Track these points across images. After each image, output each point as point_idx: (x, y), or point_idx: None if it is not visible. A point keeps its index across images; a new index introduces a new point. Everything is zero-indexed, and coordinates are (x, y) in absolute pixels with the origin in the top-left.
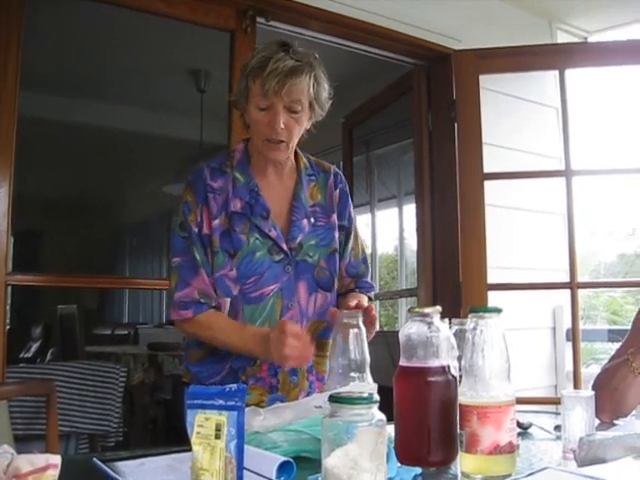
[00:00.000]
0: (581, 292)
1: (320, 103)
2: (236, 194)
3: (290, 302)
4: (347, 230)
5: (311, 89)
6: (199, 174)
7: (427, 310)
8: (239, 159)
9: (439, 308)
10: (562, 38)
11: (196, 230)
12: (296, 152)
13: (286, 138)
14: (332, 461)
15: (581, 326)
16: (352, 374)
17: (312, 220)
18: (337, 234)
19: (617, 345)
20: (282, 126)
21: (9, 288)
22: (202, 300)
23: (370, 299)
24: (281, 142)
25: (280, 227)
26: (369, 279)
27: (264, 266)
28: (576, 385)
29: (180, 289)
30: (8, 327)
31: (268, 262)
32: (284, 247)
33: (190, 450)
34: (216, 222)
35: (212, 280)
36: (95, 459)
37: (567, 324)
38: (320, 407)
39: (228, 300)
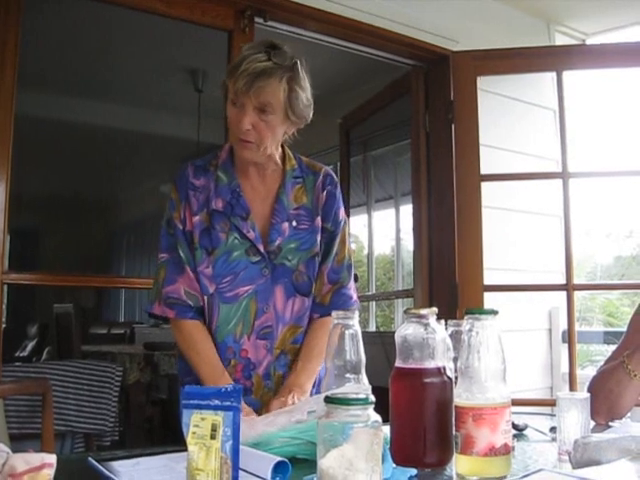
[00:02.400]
0: (577, 294)
1: (294, 110)
2: (218, 193)
3: (265, 305)
4: (332, 233)
5: (283, 94)
6: (183, 172)
7: (423, 311)
8: (224, 159)
9: (435, 309)
10: (560, 40)
11: (180, 227)
12: (285, 154)
13: (255, 139)
14: (327, 462)
15: (577, 328)
16: (347, 375)
17: (294, 223)
18: (319, 237)
19: (613, 347)
20: (248, 127)
21: (5, 287)
22: (190, 302)
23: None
24: (249, 142)
25: (259, 229)
26: (351, 288)
27: (240, 266)
28: (572, 387)
29: (168, 284)
30: (4, 326)
31: (244, 263)
32: (261, 249)
33: (185, 450)
34: (196, 219)
35: (197, 276)
36: (90, 459)
37: (563, 326)
38: (314, 411)
39: (206, 298)
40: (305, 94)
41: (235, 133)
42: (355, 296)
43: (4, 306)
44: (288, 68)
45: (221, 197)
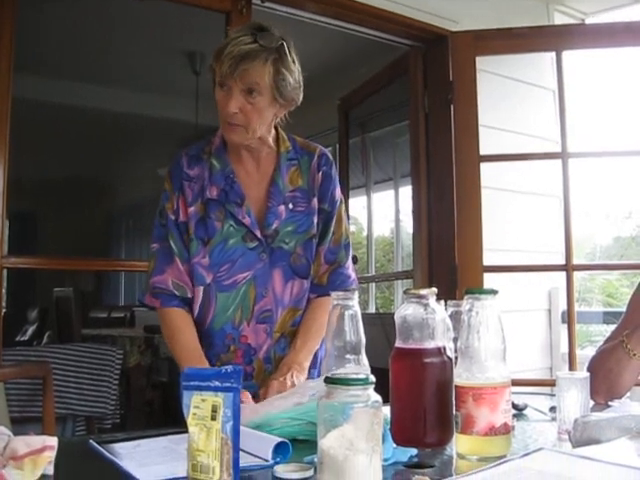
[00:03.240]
0: (577, 274)
1: (281, 92)
2: (212, 181)
3: (264, 289)
4: (328, 214)
5: (268, 77)
6: (177, 162)
7: (423, 292)
8: (217, 145)
9: (435, 290)
10: (559, 19)
11: (173, 218)
12: (278, 136)
13: (242, 122)
14: (328, 442)
15: (576, 308)
16: (347, 356)
17: (290, 206)
18: (316, 219)
19: (612, 327)
20: (235, 110)
21: (5, 271)
22: (176, 292)
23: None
24: (237, 125)
25: (255, 214)
26: (349, 267)
27: (237, 253)
28: (571, 367)
29: (156, 274)
30: (4, 310)
31: (241, 249)
32: (258, 234)
33: (186, 432)
34: (192, 209)
35: (188, 267)
36: (91, 441)
37: (562, 306)
38: (314, 395)
39: (201, 288)
40: (292, 76)
41: (223, 116)
42: (354, 275)
43: (4, 290)
44: (274, 50)
45: (215, 185)
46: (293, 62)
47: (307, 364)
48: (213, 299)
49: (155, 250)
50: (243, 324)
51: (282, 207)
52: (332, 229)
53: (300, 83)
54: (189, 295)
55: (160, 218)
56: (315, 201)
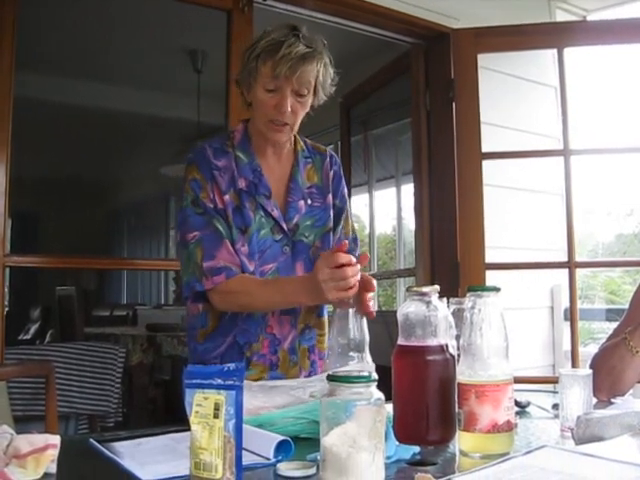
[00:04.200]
0: (579, 272)
1: (325, 88)
2: (240, 173)
3: None
4: (339, 210)
5: (320, 75)
6: (202, 153)
7: (425, 289)
8: (240, 139)
9: (437, 287)
10: (561, 16)
11: (211, 206)
12: (294, 135)
13: (291, 121)
14: (331, 440)
15: (579, 306)
16: (351, 353)
17: (309, 201)
18: (332, 213)
19: (615, 324)
20: (289, 109)
21: (7, 270)
22: (233, 268)
23: None
24: (285, 124)
25: (278, 208)
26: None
27: (266, 244)
28: (574, 364)
29: (207, 260)
30: (7, 309)
31: (270, 241)
32: (284, 227)
33: (187, 430)
34: (227, 197)
35: (235, 251)
36: (91, 440)
37: (565, 303)
38: (315, 391)
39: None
40: (331, 71)
41: (270, 115)
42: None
43: (6, 289)
44: (321, 50)
45: (243, 176)
46: (329, 59)
47: None
48: None
49: (198, 238)
50: (268, 314)
51: (302, 202)
52: (342, 224)
53: (334, 80)
54: (234, 273)
55: (194, 207)
56: (330, 197)
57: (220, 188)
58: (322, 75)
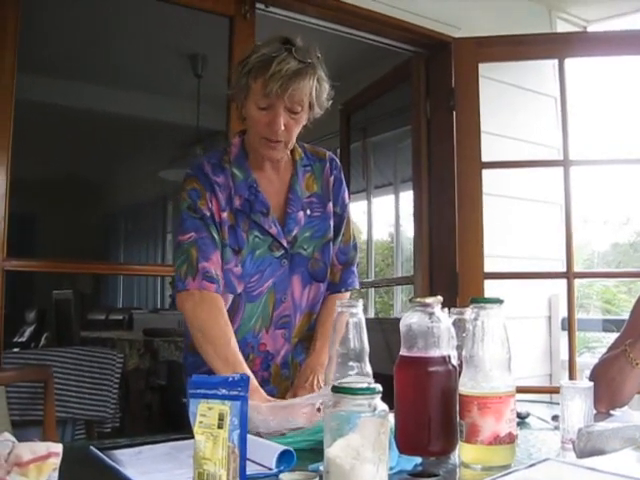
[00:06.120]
0: (576, 281)
1: (320, 103)
2: (236, 191)
3: (283, 295)
4: (340, 217)
5: (313, 91)
6: (200, 168)
7: (428, 300)
8: (236, 154)
9: (440, 298)
10: (561, 27)
11: (208, 214)
12: None
13: (285, 138)
14: (334, 451)
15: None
16: (351, 363)
17: (308, 212)
18: (332, 222)
19: (611, 335)
20: (282, 127)
21: (4, 274)
22: (221, 283)
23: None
24: (279, 142)
25: (277, 221)
26: (355, 267)
27: (265, 263)
28: (571, 374)
29: (203, 260)
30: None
31: (269, 259)
32: (284, 243)
33: (187, 438)
34: (224, 215)
35: (223, 266)
36: (92, 447)
37: (562, 313)
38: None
39: (230, 297)
40: (327, 86)
41: (264, 134)
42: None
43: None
44: (313, 65)
45: (238, 194)
46: (324, 72)
47: None
48: (241, 309)
49: (194, 239)
50: (262, 332)
51: (301, 213)
52: (342, 231)
53: (329, 91)
54: (220, 291)
55: (191, 212)
56: (330, 206)
57: (220, 203)
58: (316, 90)
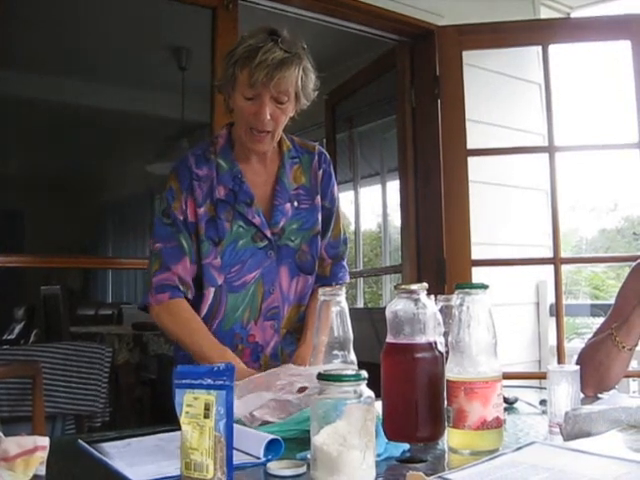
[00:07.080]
0: (563, 267)
1: (306, 94)
2: (220, 181)
3: (271, 287)
4: (329, 211)
5: (299, 81)
6: (184, 162)
7: (414, 287)
8: (222, 145)
9: (425, 285)
10: (545, 13)
11: (181, 218)
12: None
13: (271, 128)
14: (321, 438)
15: (564, 301)
16: (335, 352)
17: (295, 204)
18: (320, 216)
19: (599, 320)
20: (268, 117)
21: None
22: (180, 287)
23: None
24: (266, 132)
25: (263, 212)
26: (346, 261)
27: (247, 254)
28: (560, 360)
29: (160, 273)
30: None
31: (251, 249)
32: (268, 234)
33: (176, 430)
34: (201, 210)
35: (195, 268)
36: (80, 441)
37: (550, 299)
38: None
39: (212, 289)
40: (313, 76)
41: (250, 123)
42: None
43: None
44: (299, 55)
45: (223, 185)
46: (310, 63)
47: None
48: (224, 300)
49: (159, 250)
50: (251, 323)
51: (288, 205)
52: (332, 225)
53: (315, 81)
54: (189, 296)
55: (164, 217)
56: (318, 199)
57: (196, 200)
58: (302, 80)
